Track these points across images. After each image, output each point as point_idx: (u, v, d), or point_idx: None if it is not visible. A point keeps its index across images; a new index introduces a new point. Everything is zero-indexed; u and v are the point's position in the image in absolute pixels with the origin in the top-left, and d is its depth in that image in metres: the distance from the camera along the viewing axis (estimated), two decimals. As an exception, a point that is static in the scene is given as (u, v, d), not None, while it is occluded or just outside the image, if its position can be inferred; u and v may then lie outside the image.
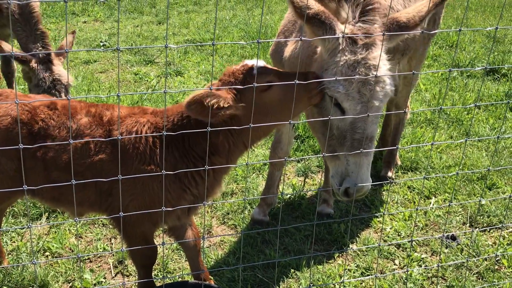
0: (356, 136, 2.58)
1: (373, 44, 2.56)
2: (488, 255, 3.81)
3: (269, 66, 2.62)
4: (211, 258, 3.76)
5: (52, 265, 3.61)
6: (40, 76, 4.55)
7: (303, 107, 2.64)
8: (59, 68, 4.67)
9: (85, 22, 9.72)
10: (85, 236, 3.95)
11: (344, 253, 3.86)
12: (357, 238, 4.05)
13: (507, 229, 4.12)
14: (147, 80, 6.98)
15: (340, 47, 2.56)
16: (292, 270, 3.66)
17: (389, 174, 4.79)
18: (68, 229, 3.98)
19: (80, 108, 2.79)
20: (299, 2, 2.52)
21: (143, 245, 2.76)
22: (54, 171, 2.71)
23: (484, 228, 4.15)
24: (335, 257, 3.83)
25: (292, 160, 4.98)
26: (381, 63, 2.55)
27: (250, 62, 2.56)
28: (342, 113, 2.60)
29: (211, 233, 4.05)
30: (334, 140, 2.68)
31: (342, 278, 3.58)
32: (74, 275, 3.53)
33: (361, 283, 3.57)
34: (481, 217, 4.27)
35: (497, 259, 3.77)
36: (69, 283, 3.47)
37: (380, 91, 2.54)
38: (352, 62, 2.53)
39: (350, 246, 3.96)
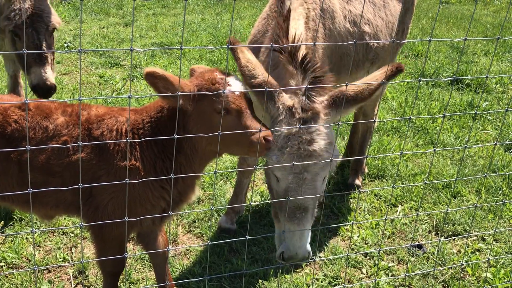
0: (289, 204, 2.59)
1: (313, 118, 2.55)
2: (454, 263, 3.84)
3: (241, 95, 2.53)
4: (177, 268, 3.65)
5: (7, 277, 3.43)
6: (16, 6, 3.33)
7: (240, 151, 2.64)
8: (44, 3, 3.44)
9: (48, 22, 9.43)
10: (44, 245, 3.77)
11: (312, 262, 3.82)
12: (325, 247, 4.02)
13: (471, 238, 4.18)
14: (112, 83, 6.80)
15: (279, 118, 2.59)
16: (260, 280, 3.59)
17: (357, 182, 4.80)
18: (26, 238, 3.80)
19: (55, 108, 2.71)
20: (246, 71, 2.58)
21: (116, 249, 2.71)
22: (30, 173, 2.59)
23: (449, 237, 4.19)
24: (303, 266, 3.79)
25: (260, 167, 4.92)
26: (318, 137, 2.54)
27: (232, 82, 2.50)
28: (278, 180, 2.63)
29: (176, 242, 3.94)
30: (276, 203, 2.70)
31: (310, 287, 3.54)
32: (31, 287, 3.36)
33: (329, 293, 3.53)
34: (447, 225, 4.32)
35: (462, 267, 3.81)
36: (26, 295, 3.31)
37: (314, 165, 2.54)
38: (286, 134, 2.55)
39: (318, 254, 3.93)
